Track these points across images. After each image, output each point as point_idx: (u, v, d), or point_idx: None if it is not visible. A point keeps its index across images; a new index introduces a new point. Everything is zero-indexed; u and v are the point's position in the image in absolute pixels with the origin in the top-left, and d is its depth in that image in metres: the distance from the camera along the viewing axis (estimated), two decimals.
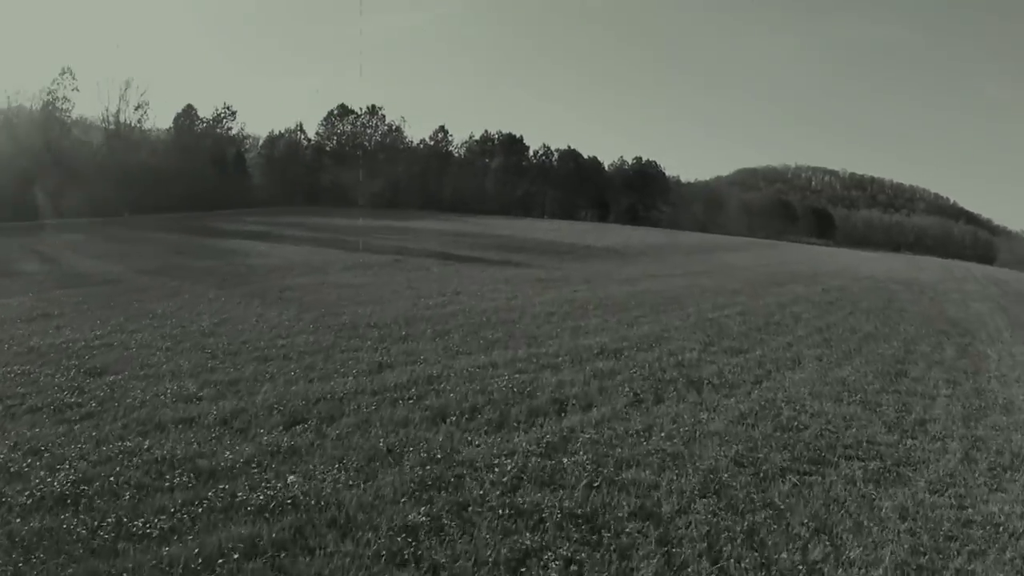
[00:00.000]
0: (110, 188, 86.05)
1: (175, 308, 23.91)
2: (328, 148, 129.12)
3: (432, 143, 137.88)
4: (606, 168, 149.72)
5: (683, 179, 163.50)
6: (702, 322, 26.50)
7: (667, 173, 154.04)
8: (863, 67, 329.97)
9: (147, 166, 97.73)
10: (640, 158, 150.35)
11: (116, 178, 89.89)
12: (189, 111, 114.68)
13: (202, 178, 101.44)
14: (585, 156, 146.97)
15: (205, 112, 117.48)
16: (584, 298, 30.62)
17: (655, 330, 24.19)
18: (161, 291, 27.58)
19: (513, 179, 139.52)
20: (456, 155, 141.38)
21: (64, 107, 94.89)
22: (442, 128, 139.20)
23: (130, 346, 17.94)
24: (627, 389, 16.26)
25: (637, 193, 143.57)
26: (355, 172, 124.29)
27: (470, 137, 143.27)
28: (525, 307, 27.21)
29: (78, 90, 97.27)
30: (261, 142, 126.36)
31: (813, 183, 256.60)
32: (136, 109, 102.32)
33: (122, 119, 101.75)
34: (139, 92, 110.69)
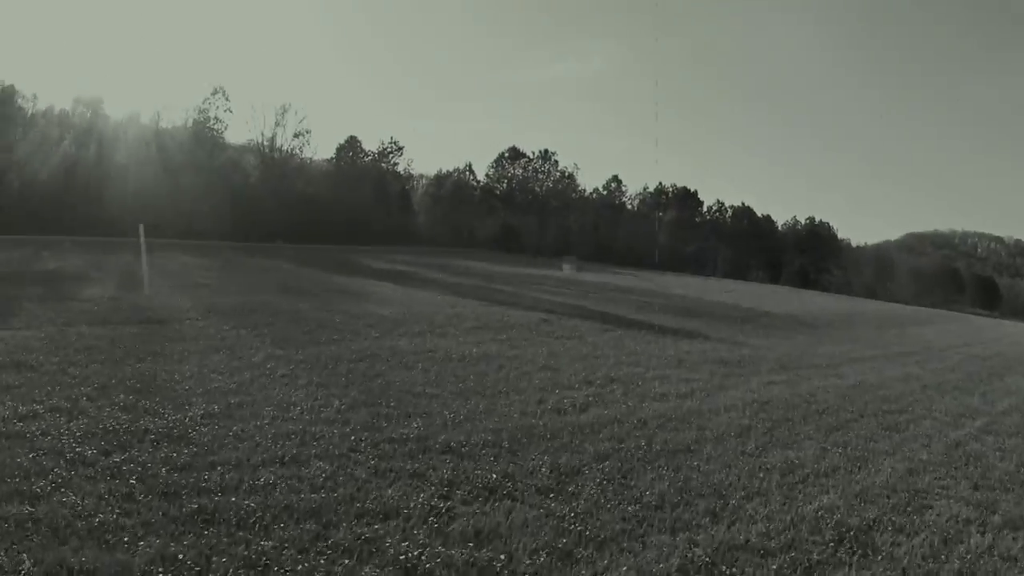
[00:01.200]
0: (263, 213, 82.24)
1: (171, 371, 14.93)
2: (498, 191, 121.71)
3: (605, 193, 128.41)
4: (779, 227, 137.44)
5: (853, 242, 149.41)
6: (952, 452, 15.01)
7: (838, 235, 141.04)
8: None
9: (305, 195, 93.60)
10: (813, 218, 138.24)
11: (271, 204, 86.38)
12: (353, 143, 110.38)
13: (364, 211, 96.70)
14: (759, 214, 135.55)
15: (370, 145, 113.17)
16: (782, 397, 19.41)
17: (899, 471, 13.10)
18: (191, 341, 18.95)
19: (686, 234, 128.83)
20: (629, 207, 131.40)
21: (216, 127, 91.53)
22: (615, 178, 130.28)
23: None
24: None
25: (808, 255, 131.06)
26: (525, 218, 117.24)
27: (644, 188, 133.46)
28: (704, 414, 16.23)
29: (231, 111, 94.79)
30: (427, 180, 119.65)
31: (979, 250, 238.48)
32: (296, 137, 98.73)
33: (278, 144, 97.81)
34: (298, 119, 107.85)
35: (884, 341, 40.03)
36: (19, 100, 77.84)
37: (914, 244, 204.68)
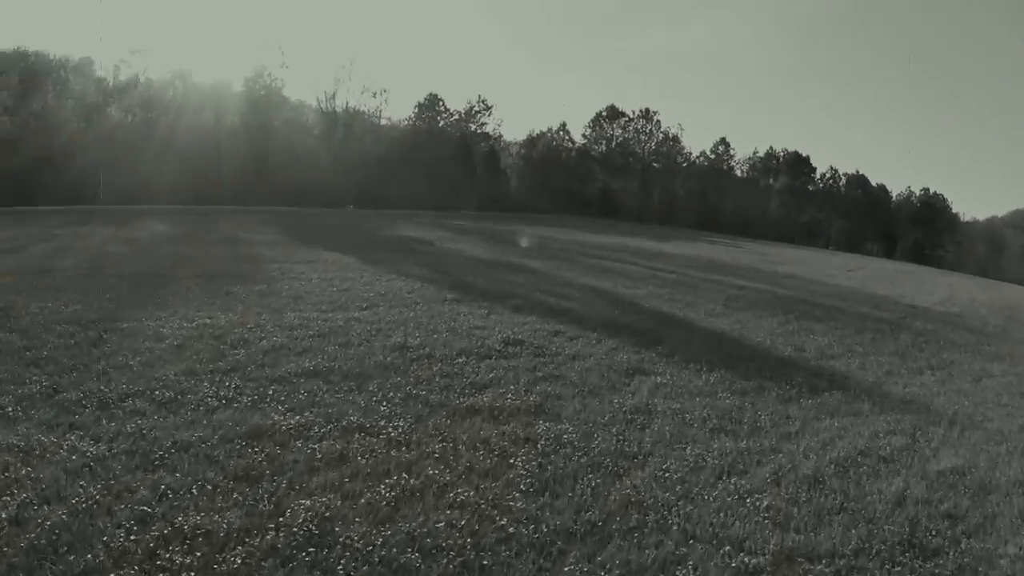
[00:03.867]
0: (333, 177, 72.98)
1: None
2: (595, 153, 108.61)
3: (712, 156, 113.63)
4: (892, 198, 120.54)
5: (962, 217, 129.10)
6: None
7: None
8: None
9: (379, 157, 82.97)
10: (928, 190, 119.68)
11: (340, 167, 76.67)
12: (434, 101, 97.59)
13: (446, 176, 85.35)
14: (873, 183, 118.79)
15: (456, 104, 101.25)
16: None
17: None
18: None
19: (799, 203, 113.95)
20: (738, 172, 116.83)
21: (274, 84, 79.41)
22: (723, 141, 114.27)
23: None
24: None
25: (923, 228, 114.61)
26: (626, 181, 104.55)
27: (754, 153, 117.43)
28: None
29: (287, 66, 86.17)
30: (520, 142, 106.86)
31: None
32: (363, 93, 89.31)
33: (347, 103, 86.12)
34: (365, 76, 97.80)
35: None
36: (97, 70, 67.53)
37: (1020, 221, 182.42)
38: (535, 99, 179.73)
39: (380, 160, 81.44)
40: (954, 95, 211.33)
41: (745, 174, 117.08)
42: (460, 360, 15.35)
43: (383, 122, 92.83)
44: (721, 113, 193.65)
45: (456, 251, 37.17)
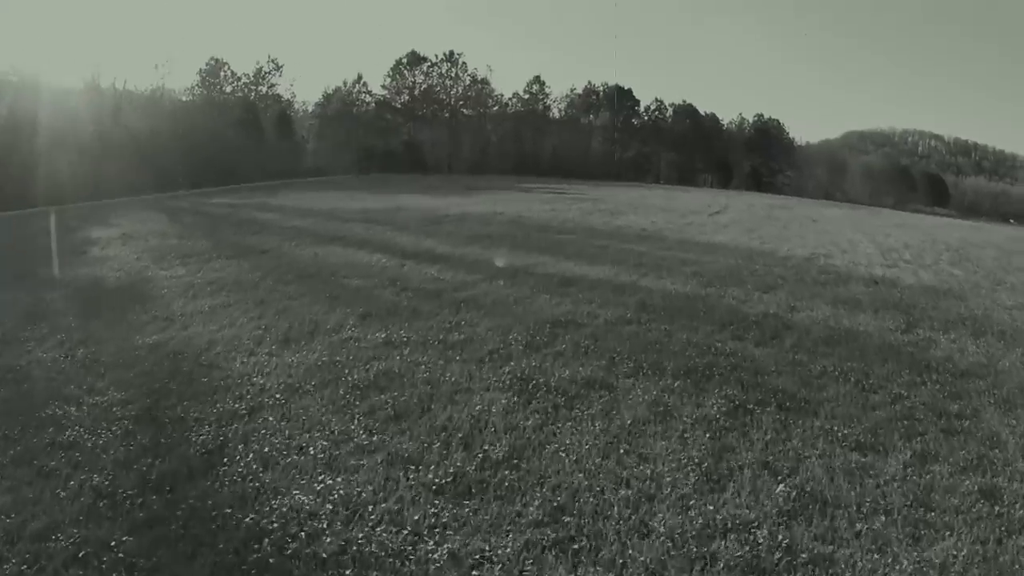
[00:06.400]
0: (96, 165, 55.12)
1: None
2: (397, 104, 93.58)
3: (526, 97, 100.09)
4: (724, 126, 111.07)
5: (797, 141, 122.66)
6: None
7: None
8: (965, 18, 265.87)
9: (150, 134, 65.09)
10: (761, 115, 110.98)
11: (107, 152, 58.36)
12: (216, 67, 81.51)
13: (230, 146, 69.03)
14: (702, 112, 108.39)
15: (243, 67, 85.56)
16: None
17: None
18: None
19: (623, 138, 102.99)
20: (556, 112, 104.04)
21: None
22: (537, 79, 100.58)
23: None
24: None
25: (759, 155, 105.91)
26: (433, 131, 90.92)
27: (571, 90, 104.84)
28: None
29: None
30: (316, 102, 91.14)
31: (920, 148, 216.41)
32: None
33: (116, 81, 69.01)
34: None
35: None
36: None
37: (855, 142, 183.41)
38: (335, 55, 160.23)
39: (151, 136, 63.78)
40: (776, 20, 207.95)
41: (563, 113, 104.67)
42: None
43: (160, 94, 74.78)
44: (534, 55, 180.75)
45: None
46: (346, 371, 11.06)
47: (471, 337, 12.91)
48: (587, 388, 10.59)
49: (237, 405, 9.93)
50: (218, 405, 9.94)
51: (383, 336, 12.87)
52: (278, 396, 10.20)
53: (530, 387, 10.52)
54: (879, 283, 21.05)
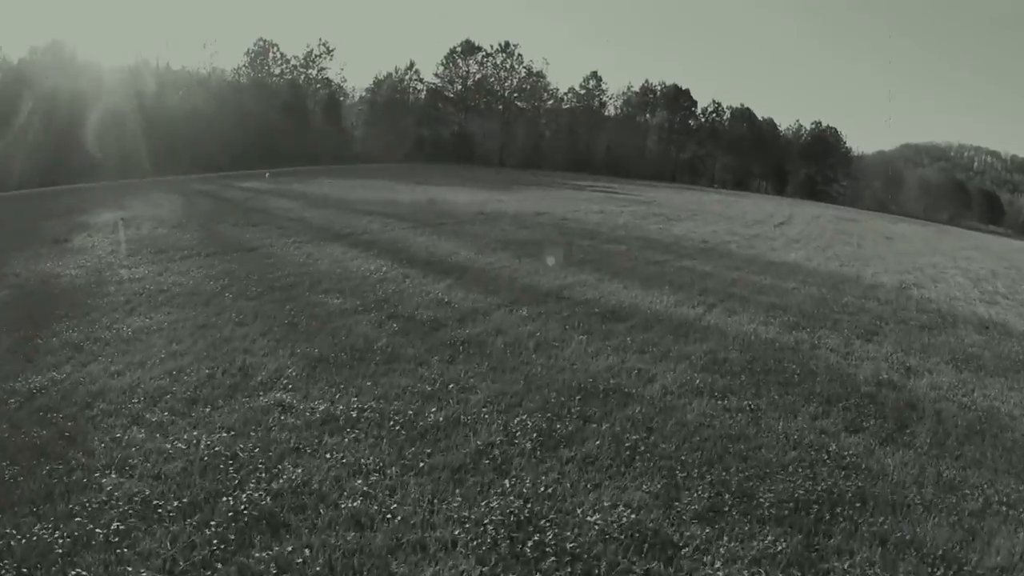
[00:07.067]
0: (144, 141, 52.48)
1: None
2: (449, 94, 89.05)
3: (582, 92, 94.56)
4: (781, 132, 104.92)
5: (854, 151, 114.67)
6: None
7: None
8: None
9: (193, 114, 62.20)
10: (819, 123, 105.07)
11: (154, 129, 55.70)
12: (264, 48, 77.57)
13: (277, 129, 65.70)
14: (760, 117, 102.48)
15: (293, 50, 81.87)
16: None
17: None
18: None
19: (679, 139, 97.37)
20: (612, 109, 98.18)
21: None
22: (595, 75, 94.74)
23: None
24: None
25: (815, 163, 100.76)
26: (485, 123, 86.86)
27: (628, 88, 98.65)
28: None
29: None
30: (366, 88, 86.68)
31: (976, 164, 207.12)
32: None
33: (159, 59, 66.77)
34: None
35: None
36: None
37: (910, 155, 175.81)
38: (389, 41, 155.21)
39: (193, 117, 61.00)
40: (837, 32, 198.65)
41: (619, 111, 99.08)
42: None
43: (206, 74, 71.52)
44: (592, 50, 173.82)
45: None
46: (236, 483, 6.76)
47: (455, 417, 8.46)
48: (629, 550, 6.14)
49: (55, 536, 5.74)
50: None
51: (324, 407, 8.53)
52: (116, 526, 5.97)
53: (529, 549, 6.03)
54: (989, 328, 16.49)
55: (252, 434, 7.82)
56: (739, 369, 10.87)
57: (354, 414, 8.44)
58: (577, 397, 9.25)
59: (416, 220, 25.77)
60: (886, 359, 12.47)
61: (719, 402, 9.51)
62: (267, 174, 49.35)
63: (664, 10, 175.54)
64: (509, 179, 54.79)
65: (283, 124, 68.06)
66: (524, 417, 8.56)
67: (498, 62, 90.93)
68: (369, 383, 9.42)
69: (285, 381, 9.41)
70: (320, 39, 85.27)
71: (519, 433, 8.10)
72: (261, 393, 8.98)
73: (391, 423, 8.26)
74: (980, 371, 12.58)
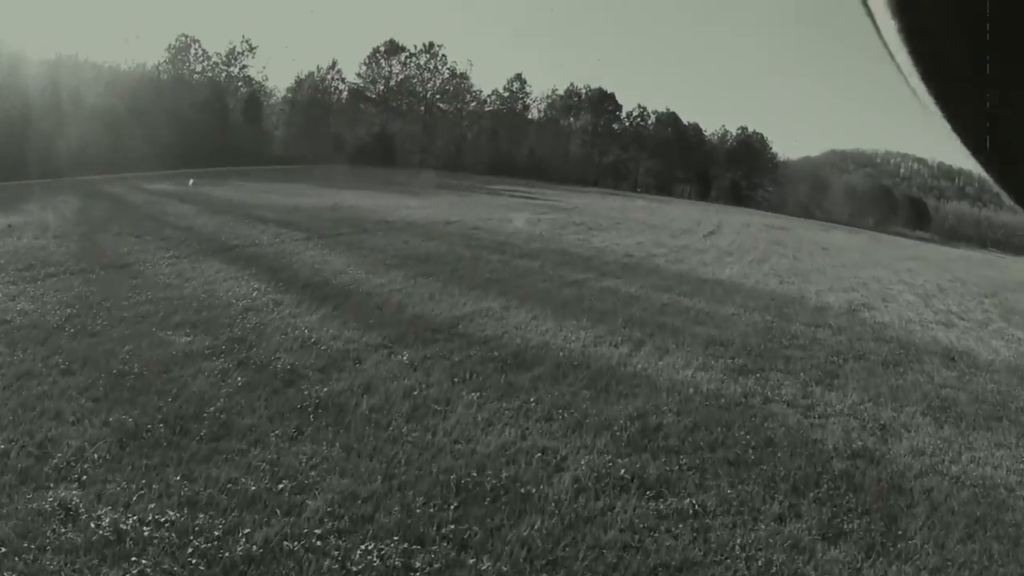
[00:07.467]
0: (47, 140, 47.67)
1: None
2: (371, 94, 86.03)
3: (506, 95, 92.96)
4: (706, 137, 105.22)
5: (780, 157, 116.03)
6: None
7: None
8: None
9: (106, 110, 57.60)
10: (745, 128, 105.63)
11: (62, 127, 50.98)
12: (186, 44, 74.21)
13: (195, 128, 61.97)
14: (685, 122, 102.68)
15: (216, 47, 79.27)
16: None
17: None
18: None
19: (603, 143, 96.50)
20: (536, 112, 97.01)
21: None
22: (519, 77, 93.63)
23: None
24: None
25: (740, 168, 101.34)
26: (406, 124, 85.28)
27: (552, 91, 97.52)
28: None
29: None
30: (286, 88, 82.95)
31: (902, 170, 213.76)
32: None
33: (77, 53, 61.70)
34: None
35: None
36: None
37: (836, 161, 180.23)
38: (311, 39, 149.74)
39: (111, 113, 56.58)
40: (763, 34, 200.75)
41: (543, 114, 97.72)
42: None
43: (127, 69, 67.95)
44: (517, 53, 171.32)
45: None
46: None
47: (277, 543, 5.51)
48: None
49: None
50: None
51: (113, 517, 5.54)
52: None
53: None
54: (955, 359, 14.43)
55: (17, 560, 4.86)
56: (677, 443, 8.17)
57: (147, 531, 5.49)
58: (454, 503, 6.41)
59: (311, 230, 22.63)
60: (854, 413, 10.06)
61: (652, 504, 6.79)
62: (191, 181, 45.90)
63: (590, 13, 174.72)
64: (427, 182, 51.97)
65: (203, 123, 64.82)
66: (371, 546, 5.70)
67: (421, 63, 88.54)
68: (180, 476, 6.41)
69: (85, 467, 6.37)
70: (243, 36, 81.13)
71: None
72: (51, 486, 5.96)
73: (188, 551, 5.32)
74: (961, 422, 10.34)
